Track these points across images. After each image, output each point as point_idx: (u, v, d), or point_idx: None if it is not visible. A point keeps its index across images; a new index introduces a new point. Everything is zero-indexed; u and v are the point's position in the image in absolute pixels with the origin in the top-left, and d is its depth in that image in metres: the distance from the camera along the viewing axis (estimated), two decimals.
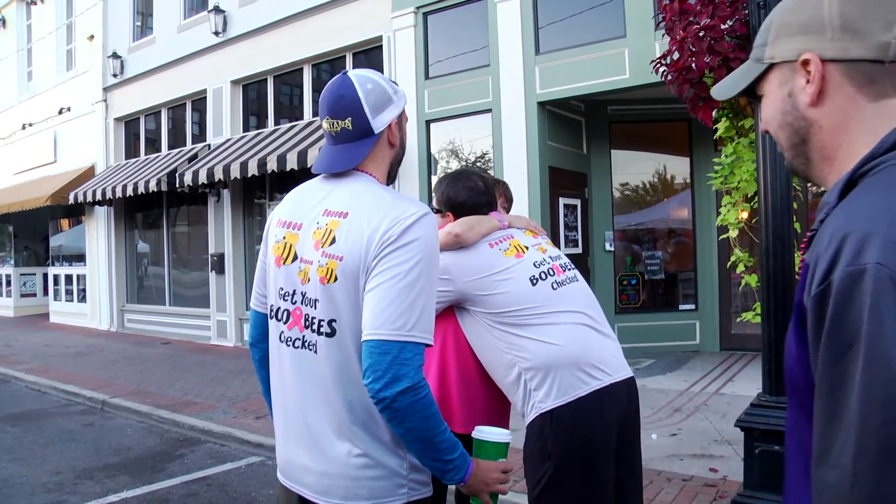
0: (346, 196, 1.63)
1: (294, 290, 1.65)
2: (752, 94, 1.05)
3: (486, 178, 2.64)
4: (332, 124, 1.67)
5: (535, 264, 2.38)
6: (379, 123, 1.66)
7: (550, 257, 2.44)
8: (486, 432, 1.77)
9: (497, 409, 2.51)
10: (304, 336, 1.63)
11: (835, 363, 0.75)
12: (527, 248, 2.42)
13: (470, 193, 2.51)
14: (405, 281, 1.49)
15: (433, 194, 2.58)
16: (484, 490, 1.66)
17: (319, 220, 1.63)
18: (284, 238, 1.69)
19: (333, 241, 1.58)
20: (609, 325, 2.47)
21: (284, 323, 1.68)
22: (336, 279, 1.56)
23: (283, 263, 1.68)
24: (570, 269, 2.47)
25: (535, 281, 2.33)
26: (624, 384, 2.31)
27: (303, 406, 1.64)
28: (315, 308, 1.60)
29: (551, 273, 2.38)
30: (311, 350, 1.61)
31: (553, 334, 2.25)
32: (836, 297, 0.76)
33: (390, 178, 1.78)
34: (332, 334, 1.58)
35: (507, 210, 2.96)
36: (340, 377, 1.58)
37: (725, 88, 1.09)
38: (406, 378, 1.45)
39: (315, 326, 1.60)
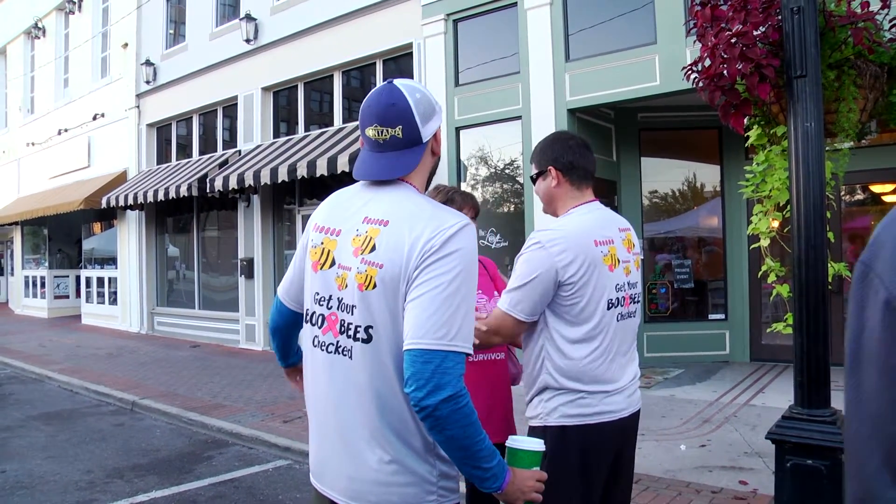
0: (387, 205, 1.64)
1: (330, 296, 1.66)
2: None
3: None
4: (381, 132, 1.66)
5: (616, 287, 2.30)
6: (427, 132, 1.68)
7: (629, 283, 2.36)
8: (520, 441, 1.77)
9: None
10: (338, 341, 1.64)
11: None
12: (619, 262, 2.33)
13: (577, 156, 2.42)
14: (447, 291, 1.51)
15: (536, 154, 2.46)
16: (520, 498, 1.65)
17: (359, 227, 1.64)
18: (322, 244, 1.70)
19: (374, 248, 1.59)
20: (637, 359, 2.46)
21: (319, 328, 1.69)
22: (375, 286, 1.57)
23: (321, 269, 1.69)
24: (635, 302, 2.40)
25: (610, 305, 2.27)
26: (630, 418, 2.34)
27: (336, 411, 1.65)
28: (352, 314, 1.61)
29: (621, 302, 2.32)
30: (346, 356, 1.62)
31: (591, 359, 2.25)
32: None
33: (428, 185, 1.81)
34: (368, 340, 1.59)
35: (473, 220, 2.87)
36: (375, 383, 1.58)
37: None
38: (448, 386, 1.46)
39: (351, 332, 1.61)
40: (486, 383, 2.65)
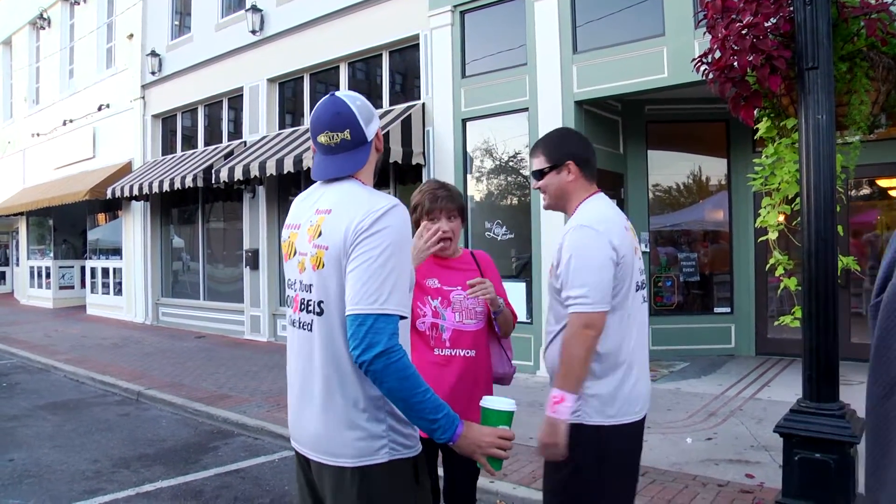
0: (333, 196, 1.90)
1: (296, 280, 1.93)
2: None
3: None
4: (332, 137, 1.91)
5: (640, 270, 2.34)
6: (370, 132, 1.94)
7: (640, 269, 2.39)
8: (491, 401, 1.92)
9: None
10: (302, 318, 1.90)
11: (879, 402, 0.65)
12: (635, 249, 2.36)
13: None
14: (377, 263, 1.74)
15: (548, 148, 2.51)
16: (476, 451, 1.81)
17: (312, 217, 1.91)
18: (289, 238, 2.00)
19: (321, 233, 1.85)
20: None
21: (291, 307, 1.96)
22: (324, 265, 1.82)
23: (289, 259, 1.98)
24: (644, 287, 2.43)
25: (637, 287, 2.30)
26: (644, 419, 2.41)
27: (302, 378, 1.91)
28: (310, 292, 1.87)
29: (641, 286, 2.35)
30: (307, 329, 1.88)
31: (623, 342, 2.27)
32: (882, 320, 0.62)
33: (375, 176, 2.05)
34: (321, 314, 1.84)
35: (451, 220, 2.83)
36: (327, 351, 1.83)
37: None
38: (379, 344, 1.69)
39: (310, 308, 1.87)
40: (448, 378, 2.66)
